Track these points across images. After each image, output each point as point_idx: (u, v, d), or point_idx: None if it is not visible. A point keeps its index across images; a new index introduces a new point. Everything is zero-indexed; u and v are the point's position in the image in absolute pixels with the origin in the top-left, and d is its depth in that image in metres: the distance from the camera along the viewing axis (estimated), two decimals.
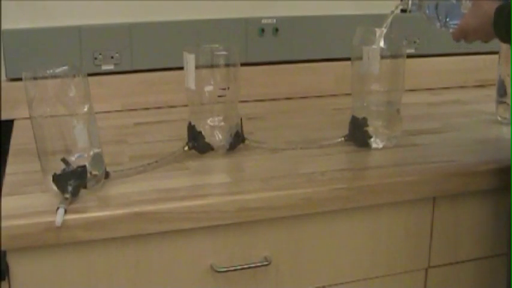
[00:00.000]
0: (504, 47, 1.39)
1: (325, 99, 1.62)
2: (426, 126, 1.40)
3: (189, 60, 1.16)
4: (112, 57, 1.48)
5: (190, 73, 1.17)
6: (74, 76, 0.99)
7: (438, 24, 1.13)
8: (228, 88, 1.19)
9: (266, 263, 1.07)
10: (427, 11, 1.14)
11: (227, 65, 1.19)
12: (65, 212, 0.94)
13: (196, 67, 1.17)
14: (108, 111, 1.47)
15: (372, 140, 1.24)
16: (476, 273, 1.24)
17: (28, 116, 0.99)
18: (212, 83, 1.18)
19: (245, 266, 1.06)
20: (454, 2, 1.11)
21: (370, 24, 1.21)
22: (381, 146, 1.25)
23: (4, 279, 0.96)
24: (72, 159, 1.00)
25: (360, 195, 1.09)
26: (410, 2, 1.15)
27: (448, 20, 1.12)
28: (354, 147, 1.25)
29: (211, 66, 1.18)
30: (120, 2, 1.48)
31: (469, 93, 1.69)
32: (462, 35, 1.09)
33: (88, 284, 1.01)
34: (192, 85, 1.18)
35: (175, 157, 1.16)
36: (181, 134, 1.22)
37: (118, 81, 1.49)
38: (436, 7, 1.12)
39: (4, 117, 1.41)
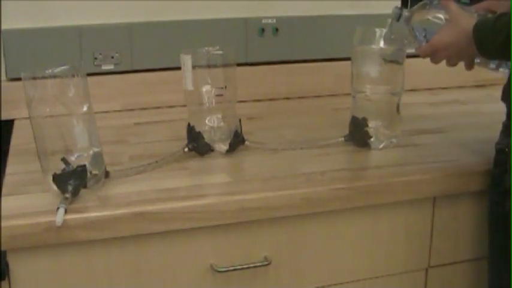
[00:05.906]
0: None
1: (324, 99, 1.62)
2: (426, 126, 1.40)
3: (186, 61, 1.17)
4: (112, 57, 1.47)
5: (187, 74, 1.18)
6: (73, 76, 0.99)
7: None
8: (226, 87, 1.19)
9: (266, 263, 1.07)
10: (417, 35, 1.14)
11: (224, 65, 1.19)
12: (65, 211, 0.94)
13: (193, 68, 1.17)
14: (108, 111, 1.47)
15: (372, 140, 1.24)
16: (476, 273, 1.24)
17: (28, 116, 0.99)
18: (209, 82, 1.19)
19: (245, 266, 1.06)
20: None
21: (370, 24, 1.21)
22: (380, 146, 1.25)
23: (4, 279, 0.96)
24: (72, 159, 1.00)
25: (360, 195, 1.09)
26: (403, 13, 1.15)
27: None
28: (354, 147, 1.25)
29: (208, 66, 1.18)
30: (120, 2, 1.47)
31: (469, 93, 1.69)
32: (431, 51, 1.09)
33: (88, 284, 1.01)
34: (189, 86, 1.18)
35: (175, 158, 1.16)
36: (181, 134, 1.22)
37: (118, 81, 1.49)
38: (425, 35, 1.12)
39: (4, 117, 1.41)
